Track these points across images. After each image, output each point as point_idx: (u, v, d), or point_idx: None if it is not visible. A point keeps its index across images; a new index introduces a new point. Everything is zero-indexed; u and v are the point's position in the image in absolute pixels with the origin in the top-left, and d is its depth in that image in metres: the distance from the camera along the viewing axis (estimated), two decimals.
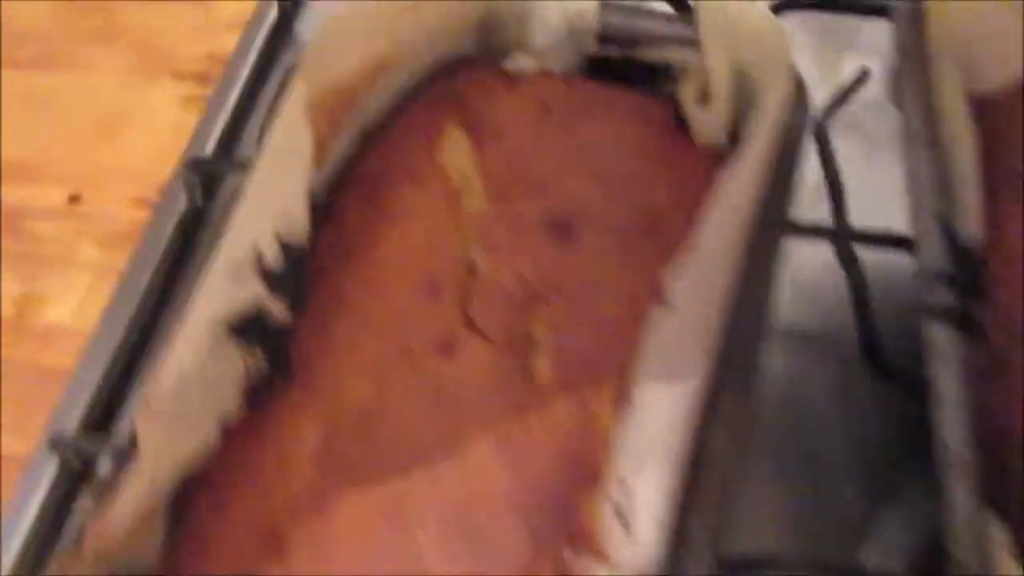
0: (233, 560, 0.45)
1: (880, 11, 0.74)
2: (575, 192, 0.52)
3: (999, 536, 0.42)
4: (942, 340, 0.47)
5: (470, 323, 0.50)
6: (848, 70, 0.76)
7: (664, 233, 0.52)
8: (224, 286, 0.47)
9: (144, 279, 0.70)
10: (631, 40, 0.59)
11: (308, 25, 0.91)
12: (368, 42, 0.54)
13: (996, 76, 0.55)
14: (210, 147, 0.82)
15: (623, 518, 0.44)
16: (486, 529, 0.44)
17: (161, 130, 0.85)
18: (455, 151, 0.55)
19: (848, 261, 0.63)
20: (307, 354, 0.49)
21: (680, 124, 0.57)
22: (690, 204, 0.53)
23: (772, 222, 0.51)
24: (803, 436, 0.64)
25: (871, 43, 0.78)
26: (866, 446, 0.64)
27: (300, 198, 0.49)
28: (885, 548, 0.60)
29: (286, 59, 0.88)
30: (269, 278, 0.47)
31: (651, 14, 0.62)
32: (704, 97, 0.55)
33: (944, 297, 0.48)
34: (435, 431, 0.46)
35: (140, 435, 0.44)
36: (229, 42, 0.89)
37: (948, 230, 0.50)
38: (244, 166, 0.70)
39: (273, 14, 0.90)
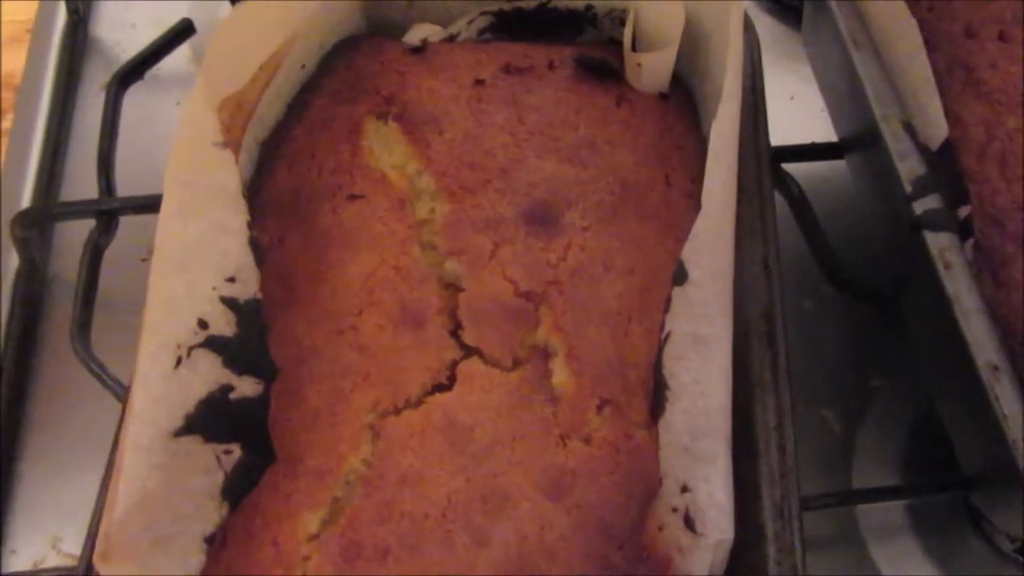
0: None
1: None
2: (543, 172, 0.46)
3: None
4: (945, 250, 0.46)
5: (467, 349, 0.43)
6: None
7: (641, 196, 0.47)
8: (167, 381, 0.37)
9: None
10: None
11: (106, 26, 0.78)
12: (263, 37, 0.44)
13: None
14: (27, 193, 0.69)
15: (690, 523, 0.40)
16: None
17: None
18: (387, 149, 0.47)
19: (783, 181, 0.61)
20: (283, 420, 0.41)
21: (610, 74, 0.51)
22: (654, 158, 0.49)
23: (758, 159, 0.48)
24: None
25: None
26: (832, 364, 0.64)
27: (239, 238, 0.39)
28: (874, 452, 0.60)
29: (93, 71, 0.75)
30: (224, 351, 0.38)
31: None
32: (646, 43, 0.50)
33: (934, 204, 0.47)
34: (465, 485, 0.39)
35: None
36: (15, 60, 0.74)
37: (915, 134, 0.49)
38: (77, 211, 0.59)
39: (61, 20, 0.75)
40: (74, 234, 0.64)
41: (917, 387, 0.61)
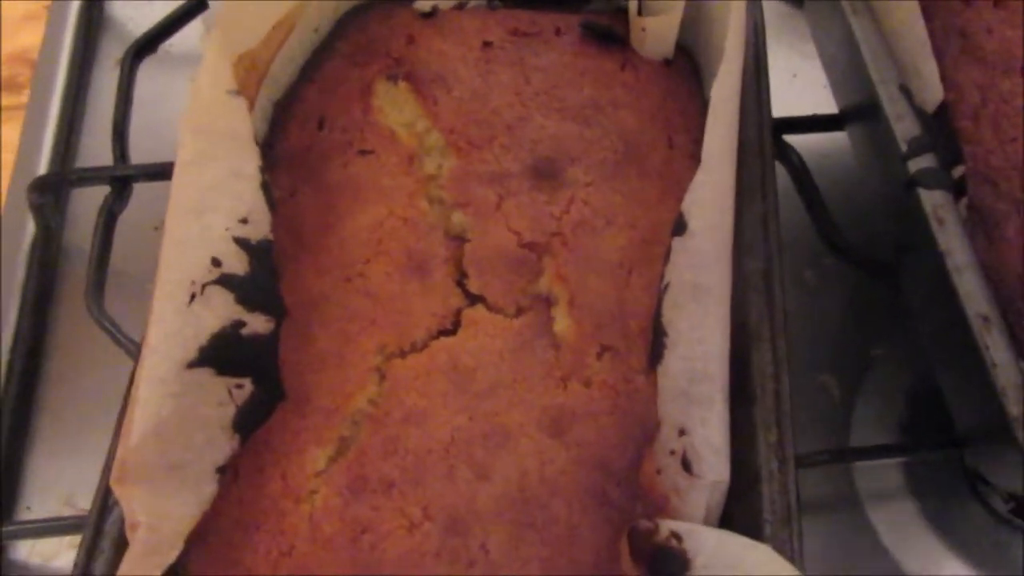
0: None
1: None
2: (547, 130, 0.47)
3: None
4: (938, 207, 0.47)
5: (471, 297, 0.44)
6: None
7: (643, 156, 0.48)
8: (182, 316, 0.38)
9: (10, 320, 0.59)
10: None
11: (121, 4, 0.79)
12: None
13: None
14: (43, 162, 0.70)
15: (687, 465, 0.41)
16: (557, 517, 0.39)
17: None
18: (396, 108, 0.48)
19: (785, 152, 0.62)
20: (293, 362, 0.42)
21: (616, 40, 0.52)
22: (657, 120, 0.50)
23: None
24: None
25: None
26: (832, 333, 0.65)
27: (252, 182, 0.40)
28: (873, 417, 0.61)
29: (108, 47, 0.77)
30: (237, 288, 0.39)
31: None
32: (651, 9, 0.51)
33: (928, 163, 0.48)
34: (468, 422, 0.41)
35: (127, 503, 0.35)
36: (31, 38, 0.76)
37: (911, 98, 0.50)
38: (94, 177, 0.61)
39: None
40: (89, 204, 0.65)
41: (916, 355, 0.62)
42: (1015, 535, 0.55)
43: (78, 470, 0.61)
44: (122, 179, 0.62)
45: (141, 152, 0.65)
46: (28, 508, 0.60)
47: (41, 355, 0.65)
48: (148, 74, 0.69)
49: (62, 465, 0.61)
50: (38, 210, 0.64)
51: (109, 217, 0.61)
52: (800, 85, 0.73)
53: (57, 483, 0.61)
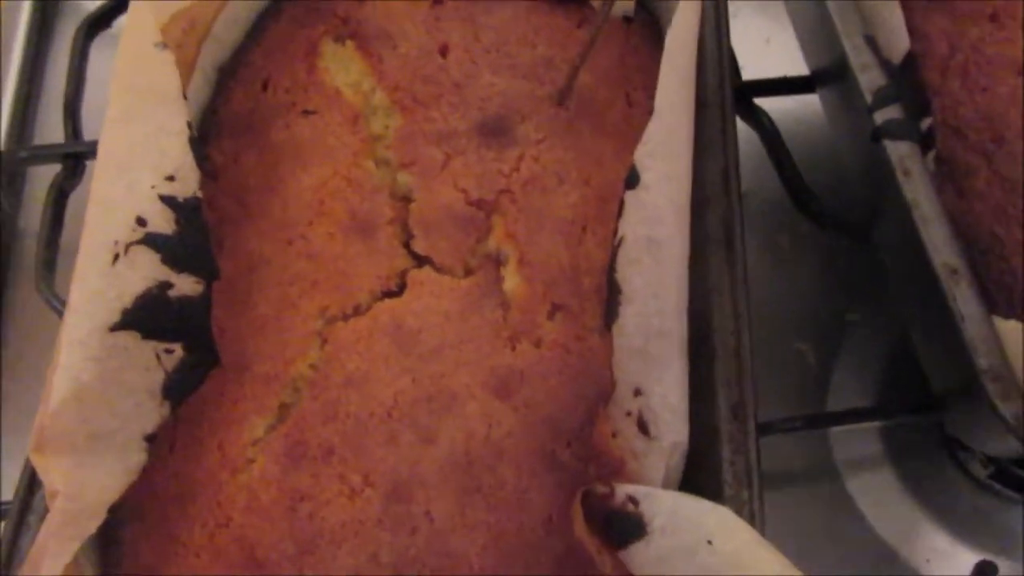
0: None
1: None
2: (497, 88, 0.45)
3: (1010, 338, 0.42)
4: (904, 157, 0.45)
5: (418, 258, 0.42)
6: None
7: (599, 113, 0.46)
8: (105, 277, 0.36)
9: None
10: None
11: None
12: None
13: None
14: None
15: (644, 427, 0.39)
16: (505, 481, 0.37)
17: None
18: (342, 68, 0.47)
19: (756, 115, 0.61)
20: (230, 327, 0.40)
21: None
22: (614, 78, 0.48)
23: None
24: None
25: None
26: (807, 300, 0.63)
27: (179, 138, 0.38)
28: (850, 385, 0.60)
29: (64, 24, 0.75)
30: (164, 248, 0.37)
31: None
32: None
33: (894, 114, 0.46)
34: (411, 385, 0.39)
35: (44, 472, 0.34)
36: None
37: (877, 49, 0.49)
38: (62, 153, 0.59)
39: None
40: (46, 185, 0.64)
41: (892, 320, 0.60)
42: (993, 501, 0.54)
43: None
44: (74, 156, 0.60)
45: (97, 131, 0.64)
46: None
47: None
48: (104, 51, 0.67)
49: (19, 449, 0.59)
50: None
51: (60, 195, 0.59)
52: (773, 49, 0.72)
53: (15, 467, 0.59)
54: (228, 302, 0.40)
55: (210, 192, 0.42)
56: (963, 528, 0.53)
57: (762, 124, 0.60)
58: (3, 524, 0.38)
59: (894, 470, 0.56)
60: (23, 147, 0.67)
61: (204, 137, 0.46)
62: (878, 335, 0.61)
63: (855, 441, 0.57)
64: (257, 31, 0.49)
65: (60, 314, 0.55)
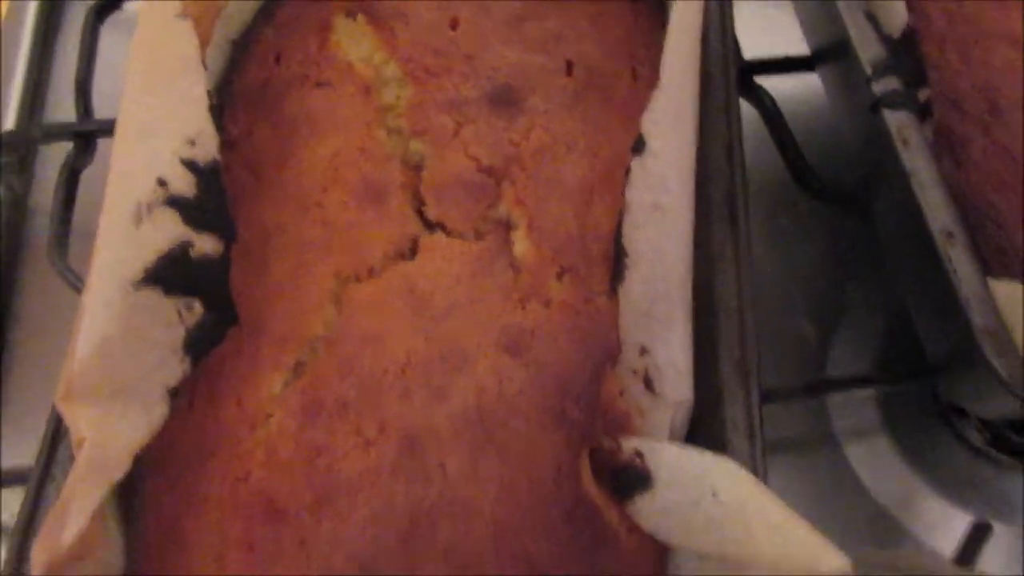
0: (219, 545, 0.37)
1: None
2: (508, 59, 0.46)
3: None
4: (903, 127, 0.46)
5: (429, 224, 0.43)
6: None
7: (607, 86, 0.48)
8: (129, 237, 0.37)
9: None
10: None
11: None
12: None
13: None
14: (8, 123, 0.69)
15: (650, 384, 0.40)
16: (516, 435, 0.38)
17: None
18: (354, 42, 0.48)
19: (756, 94, 0.62)
20: (248, 291, 0.41)
21: None
22: (621, 52, 0.49)
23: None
24: None
25: None
26: (808, 278, 0.65)
27: (199, 105, 0.40)
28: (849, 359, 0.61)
29: (75, 5, 0.76)
30: (184, 209, 0.38)
31: None
32: None
33: (893, 85, 0.48)
34: (424, 344, 0.40)
35: (73, 421, 0.35)
36: None
37: (877, 24, 0.50)
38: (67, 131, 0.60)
39: None
40: (58, 165, 0.65)
41: (889, 295, 0.62)
42: (990, 467, 0.55)
43: None
44: (85, 135, 0.61)
45: (108, 111, 0.65)
46: None
47: (9, 318, 0.64)
48: (116, 35, 0.68)
49: (35, 419, 0.60)
50: (1, 170, 0.64)
51: (71, 173, 0.60)
52: (774, 29, 0.73)
53: (30, 438, 0.60)
54: (245, 269, 0.41)
55: (227, 160, 0.43)
56: (960, 494, 0.55)
57: (763, 103, 0.62)
58: (29, 478, 0.39)
59: (892, 439, 0.57)
60: (35, 126, 0.68)
61: (220, 109, 0.47)
62: (877, 311, 0.62)
63: (853, 411, 0.58)
64: (269, 7, 0.51)
65: (73, 286, 0.56)
